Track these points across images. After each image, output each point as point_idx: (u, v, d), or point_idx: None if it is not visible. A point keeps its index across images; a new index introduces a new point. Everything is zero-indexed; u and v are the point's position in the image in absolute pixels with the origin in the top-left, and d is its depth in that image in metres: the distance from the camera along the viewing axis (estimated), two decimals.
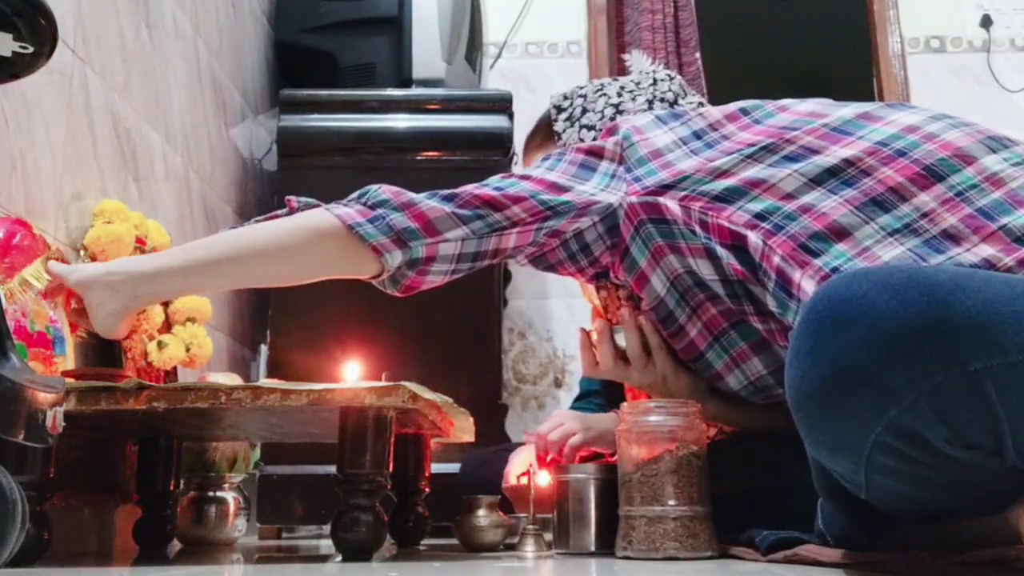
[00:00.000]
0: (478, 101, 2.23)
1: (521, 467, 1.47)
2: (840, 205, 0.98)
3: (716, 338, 1.14)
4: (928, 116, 1.04)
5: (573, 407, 1.78)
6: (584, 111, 1.34)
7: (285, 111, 2.16)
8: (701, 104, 1.33)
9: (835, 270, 0.94)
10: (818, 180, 1.01)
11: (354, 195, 1.14)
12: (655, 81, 1.36)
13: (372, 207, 1.11)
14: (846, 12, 3.87)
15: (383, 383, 1.03)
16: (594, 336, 1.29)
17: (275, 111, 2.31)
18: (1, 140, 1.18)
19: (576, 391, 1.90)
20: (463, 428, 1.34)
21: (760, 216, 1.02)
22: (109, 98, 1.50)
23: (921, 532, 0.87)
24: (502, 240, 1.12)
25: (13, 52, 0.85)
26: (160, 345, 1.43)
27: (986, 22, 3.04)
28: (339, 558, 1.05)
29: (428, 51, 2.28)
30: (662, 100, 1.33)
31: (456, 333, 2.02)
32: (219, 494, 1.43)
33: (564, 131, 1.35)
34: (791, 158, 1.04)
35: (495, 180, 1.14)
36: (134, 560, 1.16)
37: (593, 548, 1.17)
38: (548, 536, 1.27)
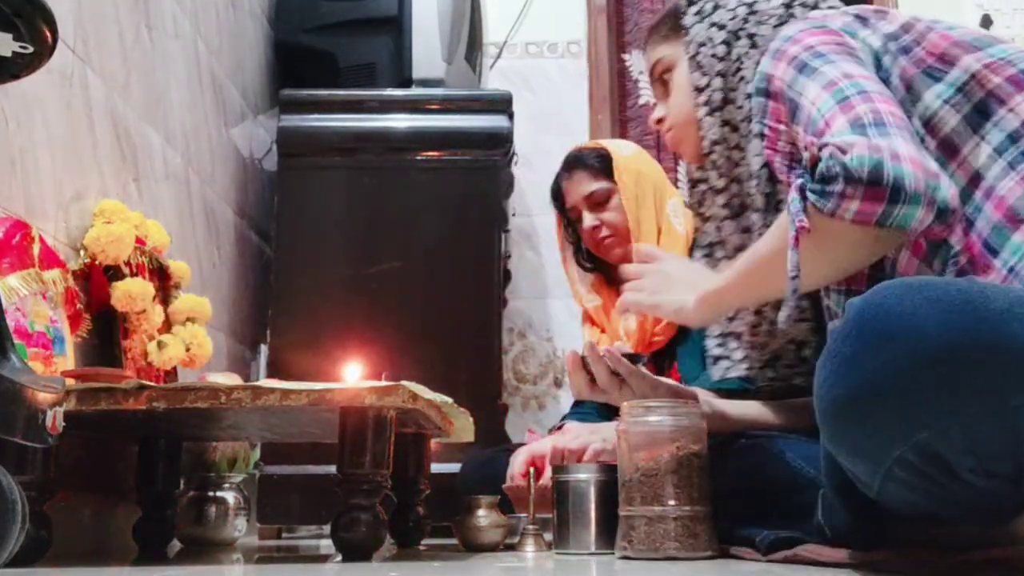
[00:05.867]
0: (478, 101, 2.23)
1: (523, 466, 1.47)
2: (1017, 184, 0.89)
3: (848, 290, 1.04)
4: None
5: (571, 413, 1.78)
6: (716, 7, 1.25)
7: (285, 111, 2.16)
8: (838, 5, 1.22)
9: (1012, 270, 0.87)
10: (1000, 149, 0.91)
11: (822, 172, 0.89)
12: None
13: (870, 184, 0.86)
14: None
15: (383, 383, 1.03)
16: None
17: (275, 111, 2.30)
18: (1, 140, 1.18)
19: None
20: (463, 428, 1.34)
21: (959, 201, 0.90)
22: (109, 98, 1.50)
23: (923, 532, 0.87)
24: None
25: (13, 52, 0.86)
26: (160, 345, 1.43)
27: (986, 22, 3.04)
28: (339, 558, 1.05)
29: (428, 51, 2.28)
30: (803, 5, 1.22)
31: (456, 333, 2.02)
32: (219, 494, 1.43)
33: (693, 26, 1.26)
34: (983, 112, 0.93)
35: (827, 100, 0.95)
36: (134, 560, 1.16)
37: (593, 548, 1.17)
38: (548, 536, 1.27)
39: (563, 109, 2.86)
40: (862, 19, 1.06)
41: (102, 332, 1.39)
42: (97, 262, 1.35)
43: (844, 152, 0.86)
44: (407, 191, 2.11)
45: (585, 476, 1.19)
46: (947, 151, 0.93)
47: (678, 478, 1.03)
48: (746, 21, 1.21)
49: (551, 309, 2.85)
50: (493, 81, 2.86)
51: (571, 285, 1.86)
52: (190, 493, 1.42)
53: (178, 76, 1.83)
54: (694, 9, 1.27)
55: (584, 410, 1.72)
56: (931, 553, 0.83)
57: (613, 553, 1.10)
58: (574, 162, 1.80)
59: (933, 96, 0.96)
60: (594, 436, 1.38)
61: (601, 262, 1.81)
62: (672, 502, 1.02)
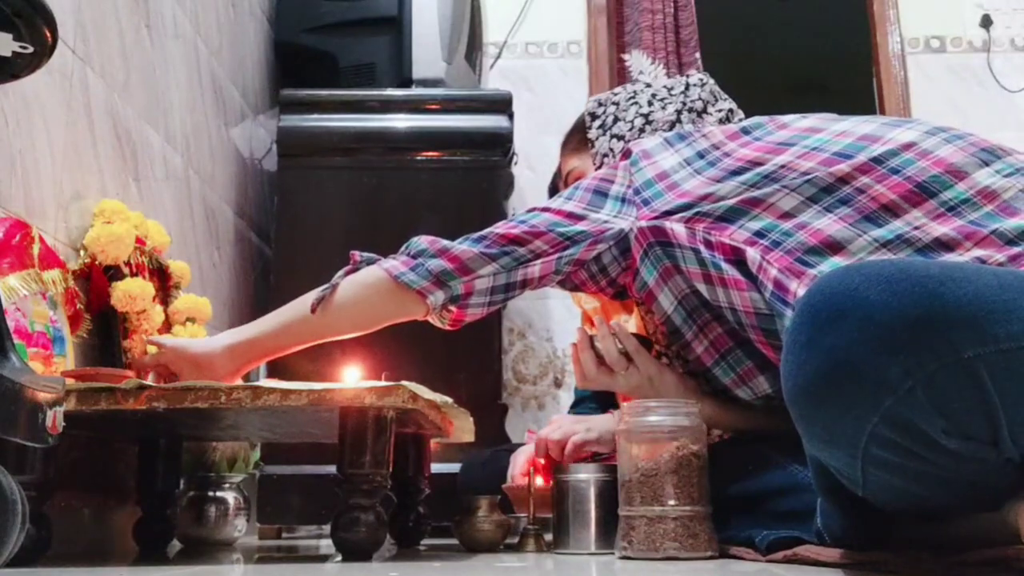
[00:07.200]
0: (478, 101, 2.23)
1: (524, 467, 1.47)
2: (834, 222, 1.02)
3: (723, 356, 1.18)
4: (924, 131, 1.07)
5: (570, 413, 1.78)
6: (616, 120, 1.39)
7: (285, 111, 2.16)
8: (731, 111, 1.38)
9: (822, 272, 0.97)
10: (814, 198, 1.05)
11: (402, 248, 1.26)
12: (687, 87, 1.40)
13: (413, 257, 1.23)
14: (846, 12, 3.87)
15: (383, 383, 1.03)
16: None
17: (275, 111, 2.30)
18: (1, 140, 1.18)
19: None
20: (463, 428, 1.34)
21: (759, 234, 1.06)
22: (109, 98, 1.50)
23: (920, 532, 0.87)
24: (528, 271, 1.21)
25: (13, 52, 0.85)
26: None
27: (986, 22, 3.03)
28: (339, 558, 1.05)
29: (428, 51, 2.28)
30: (691, 110, 1.37)
31: (456, 333, 2.01)
32: (219, 494, 1.43)
33: (597, 139, 1.41)
34: (790, 179, 1.08)
35: (520, 215, 1.24)
36: (134, 560, 1.16)
37: (593, 548, 1.17)
38: (548, 536, 1.27)
39: (563, 109, 2.86)
40: (668, 143, 1.22)
41: (102, 332, 1.39)
42: (97, 262, 1.35)
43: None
44: (407, 191, 2.11)
45: (585, 476, 1.19)
46: (749, 204, 1.09)
47: (678, 478, 1.03)
48: (642, 131, 1.36)
49: (551, 309, 2.85)
50: (493, 81, 2.86)
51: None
52: (190, 493, 1.42)
53: (178, 76, 1.83)
54: (597, 123, 1.42)
55: (584, 409, 1.72)
56: (929, 553, 0.83)
57: (613, 553, 1.10)
58: None
59: (736, 183, 1.11)
60: (578, 426, 1.38)
61: None
62: (672, 502, 1.02)
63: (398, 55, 2.29)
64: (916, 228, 0.98)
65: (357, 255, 1.27)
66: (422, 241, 1.24)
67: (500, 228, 1.22)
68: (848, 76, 4.44)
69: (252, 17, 2.36)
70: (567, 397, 2.74)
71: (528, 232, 1.20)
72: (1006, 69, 3.00)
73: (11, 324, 0.99)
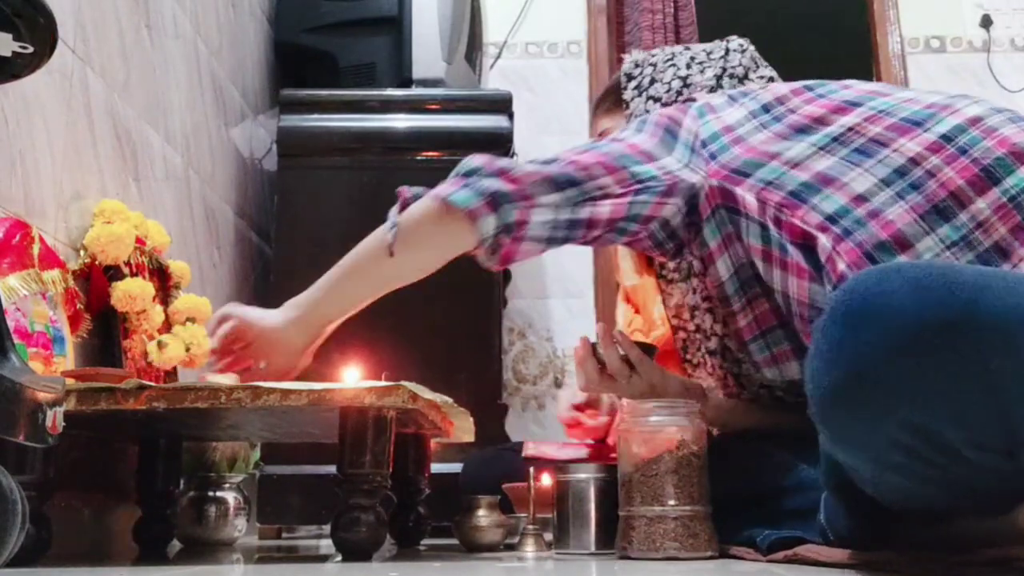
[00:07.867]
0: (478, 101, 2.23)
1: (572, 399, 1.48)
2: (905, 212, 0.99)
3: (763, 333, 1.15)
4: (989, 108, 1.05)
5: None
6: (652, 81, 1.35)
7: (285, 111, 2.16)
8: (771, 79, 1.35)
9: None
10: (887, 181, 1.02)
11: (453, 171, 1.15)
12: (727, 52, 1.37)
13: (465, 175, 1.11)
14: (846, 12, 3.87)
15: (383, 383, 1.03)
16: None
17: (275, 111, 2.30)
18: (1, 140, 1.18)
19: None
20: (463, 428, 1.34)
21: (831, 219, 1.03)
22: (109, 98, 1.50)
23: (925, 531, 0.87)
24: (597, 210, 1.10)
25: (13, 52, 0.85)
26: (160, 345, 1.43)
27: (986, 22, 3.04)
28: (339, 558, 1.05)
29: (428, 51, 2.28)
30: (731, 76, 1.33)
31: (456, 333, 2.02)
32: (219, 494, 1.43)
33: (632, 100, 1.36)
34: (862, 152, 1.05)
35: (588, 143, 1.16)
36: (134, 560, 1.16)
37: (593, 548, 1.17)
38: (548, 536, 1.27)
39: (563, 109, 2.86)
40: (732, 99, 1.18)
41: (102, 332, 1.39)
42: (97, 262, 1.35)
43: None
44: None
45: (585, 476, 1.19)
46: (822, 181, 1.04)
47: (678, 478, 1.03)
48: (679, 94, 1.31)
49: (551, 309, 2.85)
50: (493, 81, 2.86)
51: (617, 259, 1.84)
52: (190, 493, 1.42)
53: (178, 76, 1.83)
54: (632, 84, 1.37)
55: None
56: (932, 553, 0.83)
57: (613, 553, 1.10)
58: None
59: (805, 145, 1.07)
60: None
61: None
62: (672, 502, 1.02)
63: (398, 55, 2.29)
64: (979, 225, 0.96)
65: (406, 190, 1.17)
66: (475, 160, 1.12)
67: (570, 154, 1.12)
68: (848, 76, 4.44)
69: (252, 17, 2.36)
70: None
71: (600, 163, 1.10)
72: (1006, 69, 3.00)
73: (11, 324, 0.99)
